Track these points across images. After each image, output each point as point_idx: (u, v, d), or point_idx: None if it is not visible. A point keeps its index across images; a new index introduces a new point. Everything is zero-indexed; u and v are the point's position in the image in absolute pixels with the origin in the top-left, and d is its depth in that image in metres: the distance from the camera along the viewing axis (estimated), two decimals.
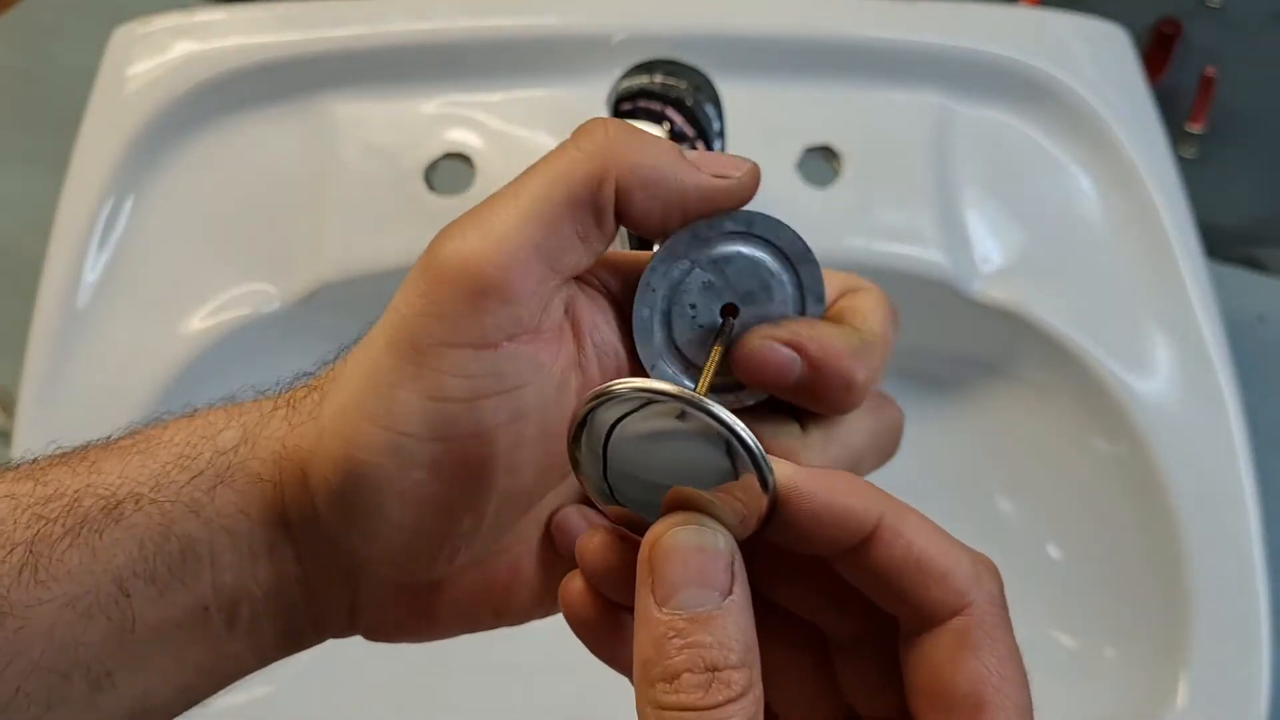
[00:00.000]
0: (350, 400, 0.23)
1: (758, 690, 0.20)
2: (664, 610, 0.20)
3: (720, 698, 0.19)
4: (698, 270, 0.24)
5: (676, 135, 0.42)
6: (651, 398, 0.21)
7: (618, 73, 0.45)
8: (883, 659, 0.22)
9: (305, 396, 0.25)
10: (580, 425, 0.22)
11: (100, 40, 0.53)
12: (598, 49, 0.53)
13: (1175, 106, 0.72)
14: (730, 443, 0.20)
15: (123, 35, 0.53)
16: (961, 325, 0.53)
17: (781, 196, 0.51)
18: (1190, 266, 0.51)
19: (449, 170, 0.52)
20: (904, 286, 0.51)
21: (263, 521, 0.24)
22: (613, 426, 0.21)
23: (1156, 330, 0.50)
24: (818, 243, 0.43)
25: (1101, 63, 0.55)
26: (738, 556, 0.21)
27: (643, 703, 0.20)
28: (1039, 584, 0.52)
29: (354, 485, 0.23)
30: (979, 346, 0.54)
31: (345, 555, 0.24)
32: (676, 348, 0.25)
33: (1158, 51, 0.72)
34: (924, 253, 0.51)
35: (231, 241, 0.50)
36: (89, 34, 0.56)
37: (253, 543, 0.23)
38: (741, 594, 0.20)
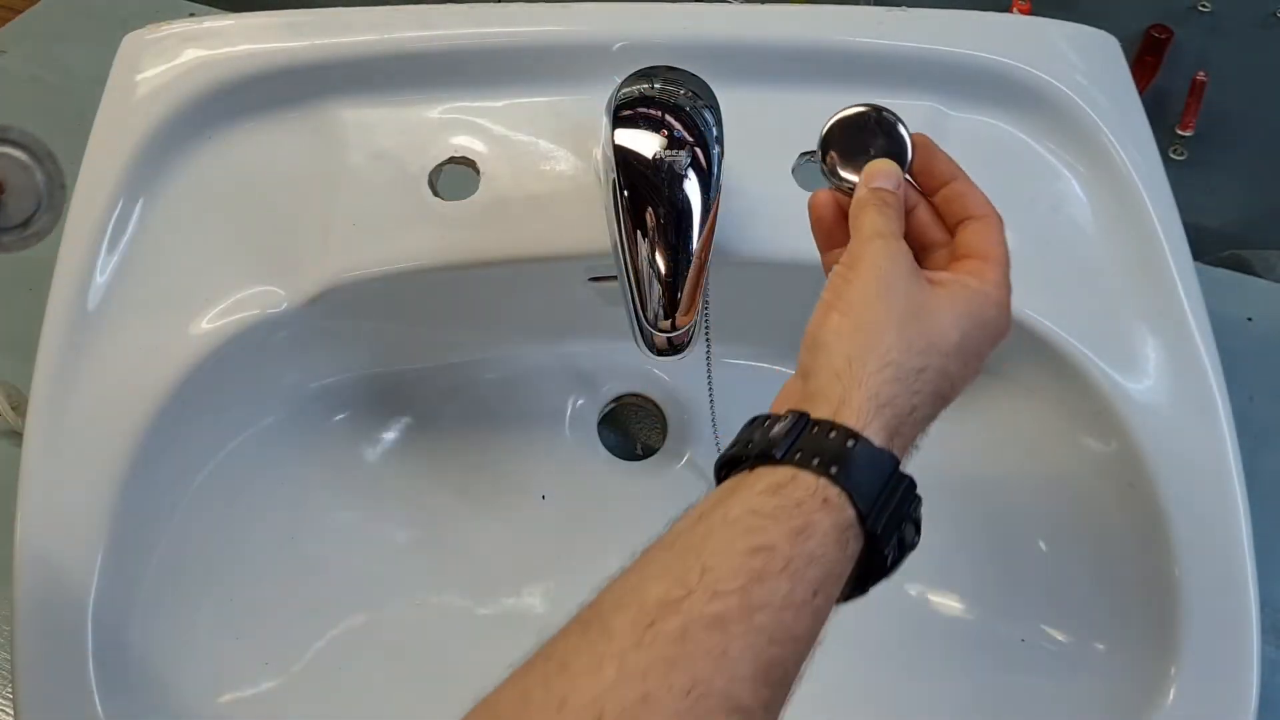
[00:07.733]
0: None
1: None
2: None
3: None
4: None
5: (676, 141, 0.43)
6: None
7: (617, 80, 0.46)
8: None
9: None
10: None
11: (110, 46, 0.54)
12: (598, 56, 0.53)
13: (1166, 110, 0.72)
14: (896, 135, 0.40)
15: (132, 41, 0.54)
16: None
17: (778, 201, 0.52)
18: (1180, 268, 0.52)
19: (453, 175, 0.53)
20: None
21: None
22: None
23: (1146, 331, 0.51)
24: (814, 246, 0.44)
25: (1092, 69, 0.56)
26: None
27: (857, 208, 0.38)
28: (1029, 580, 0.52)
29: None
30: None
31: None
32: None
33: (1149, 56, 0.73)
34: None
35: (239, 244, 0.51)
36: (98, 40, 0.56)
37: None
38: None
